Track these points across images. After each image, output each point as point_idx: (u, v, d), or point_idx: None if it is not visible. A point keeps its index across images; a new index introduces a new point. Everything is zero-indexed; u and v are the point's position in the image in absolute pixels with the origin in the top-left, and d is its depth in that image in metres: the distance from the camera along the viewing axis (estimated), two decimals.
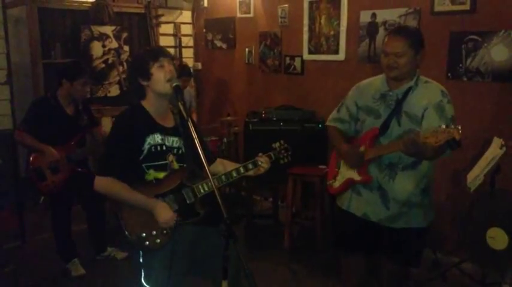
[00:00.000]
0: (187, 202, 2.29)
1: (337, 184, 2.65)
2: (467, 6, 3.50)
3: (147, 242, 2.22)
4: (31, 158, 3.42)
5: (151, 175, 2.30)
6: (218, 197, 1.94)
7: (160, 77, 2.26)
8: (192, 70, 5.91)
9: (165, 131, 2.35)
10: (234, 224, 1.95)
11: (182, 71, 4.98)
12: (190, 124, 2.12)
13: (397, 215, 2.47)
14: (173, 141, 2.37)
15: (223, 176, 2.37)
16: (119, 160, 2.25)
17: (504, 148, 3.03)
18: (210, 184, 2.21)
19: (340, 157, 2.67)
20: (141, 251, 2.27)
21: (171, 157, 2.35)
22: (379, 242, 2.57)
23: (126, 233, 2.23)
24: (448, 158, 3.65)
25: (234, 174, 2.40)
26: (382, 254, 2.64)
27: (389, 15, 3.97)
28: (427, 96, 2.38)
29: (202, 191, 2.30)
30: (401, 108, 2.41)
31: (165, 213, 2.21)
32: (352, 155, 2.52)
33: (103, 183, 2.26)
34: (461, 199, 3.60)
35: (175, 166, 2.35)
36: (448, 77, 3.65)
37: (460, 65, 3.59)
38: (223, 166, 2.54)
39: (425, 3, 3.74)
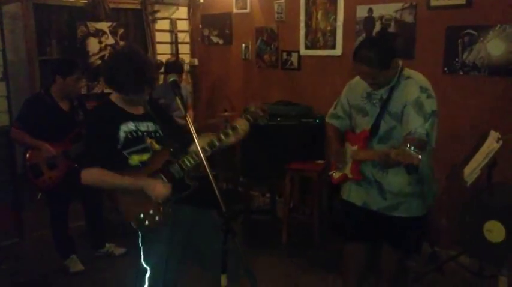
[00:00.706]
0: (177, 176, 2.36)
1: (336, 175, 2.76)
2: (463, 1, 3.50)
3: (147, 222, 2.26)
4: (27, 155, 3.42)
5: (135, 159, 2.36)
6: (214, 185, 1.97)
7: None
8: (188, 67, 5.92)
9: (137, 118, 2.42)
10: (232, 219, 1.95)
11: (172, 67, 4.96)
12: (188, 120, 2.13)
13: (395, 205, 2.55)
14: (148, 126, 2.44)
15: (206, 146, 2.40)
16: (100, 150, 2.31)
17: (501, 142, 3.04)
18: (195, 156, 2.33)
19: (331, 155, 2.80)
20: (140, 233, 2.32)
21: (149, 140, 2.42)
22: (380, 231, 2.65)
23: (125, 218, 2.27)
24: (444, 152, 3.69)
25: (216, 142, 2.42)
26: (382, 242, 2.71)
27: (385, 10, 3.97)
28: (406, 94, 2.43)
29: (188, 164, 2.37)
30: (386, 108, 2.49)
31: (156, 186, 2.26)
32: (338, 155, 2.70)
33: (90, 174, 2.30)
34: (458, 192, 3.62)
35: (156, 147, 2.42)
36: (445, 72, 3.66)
37: (457, 59, 3.60)
38: (205, 140, 2.56)
39: None
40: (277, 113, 4.41)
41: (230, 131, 2.46)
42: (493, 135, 3.12)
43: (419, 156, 2.10)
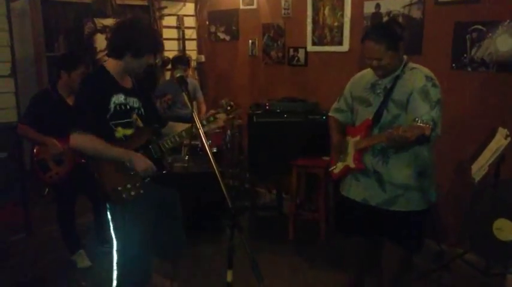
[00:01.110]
0: (155, 156, 2.54)
1: (337, 170, 2.76)
2: None
3: (124, 195, 2.41)
4: (35, 151, 3.44)
5: (120, 132, 2.49)
6: (220, 178, 1.96)
7: (143, 63, 2.52)
8: (195, 63, 5.92)
9: (127, 92, 2.55)
10: (238, 215, 1.96)
11: (178, 61, 4.97)
12: (194, 115, 2.13)
13: (394, 198, 2.54)
14: (133, 101, 2.58)
15: (183, 132, 2.61)
16: (91, 118, 2.40)
17: (509, 138, 3.02)
18: (172, 139, 2.59)
19: (332, 147, 2.81)
20: (108, 206, 2.49)
21: (134, 116, 2.56)
22: (380, 226, 2.64)
23: (105, 188, 2.41)
24: (452, 149, 3.66)
25: (193, 129, 2.46)
26: (384, 238, 2.70)
27: (393, 5, 3.95)
28: (412, 82, 2.46)
29: (167, 146, 2.59)
30: (389, 96, 2.50)
31: (143, 162, 2.44)
32: (339, 147, 2.72)
33: (82, 139, 2.38)
34: (466, 189, 3.60)
35: (140, 123, 2.58)
36: (453, 68, 3.64)
37: (465, 55, 3.57)
38: (175, 127, 2.80)
39: None
40: (284, 109, 4.41)
41: (205, 122, 2.69)
42: (501, 132, 3.10)
43: (428, 125, 2.10)
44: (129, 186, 2.42)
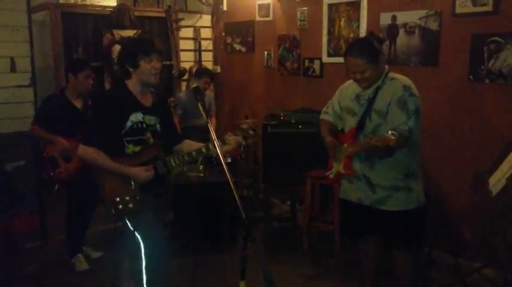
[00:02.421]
0: (160, 172, 2.62)
1: (332, 175, 2.99)
2: (489, 8, 3.44)
3: (120, 206, 2.52)
4: (45, 149, 3.66)
5: (130, 148, 2.61)
6: (233, 187, 1.98)
7: (146, 69, 2.55)
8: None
9: (145, 110, 2.65)
10: (252, 225, 1.96)
11: (203, 72, 5.03)
12: (210, 126, 2.16)
13: (384, 198, 2.75)
14: (150, 119, 2.68)
15: (193, 152, 2.65)
16: (103, 133, 2.56)
17: None
18: (180, 158, 2.64)
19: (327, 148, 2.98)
20: (126, 220, 2.63)
21: (148, 134, 2.66)
22: (375, 225, 2.86)
23: (106, 198, 2.55)
24: (469, 161, 3.62)
25: (203, 150, 2.64)
26: (381, 237, 2.94)
27: (409, 17, 3.94)
28: (391, 93, 2.66)
29: (173, 163, 2.64)
30: (371, 106, 2.72)
31: (141, 172, 2.54)
32: (333, 147, 2.89)
33: (86, 151, 2.56)
34: (483, 203, 3.55)
35: (151, 140, 2.67)
36: (470, 79, 3.60)
37: (482, 67, 3.54)
38: (189, 146, 2.84)
39: (446, 4, 3.70)
40: (299, 120, 4.41)
41: (218, 144, 2.65)
42: None
43: (393, 137, 2.35)
44: (127, 198, 2.53)
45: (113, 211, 2.54)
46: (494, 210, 3.41)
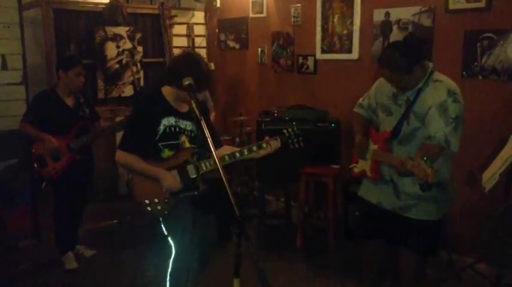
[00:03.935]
0: (190, 176, 2.61)
1: (357, 170, 2.87)
2: (482, 4, 3.45)
3: (149, 208, 2.58)
4: (34, 147, 3.60)
5: (166, 153, 2.64)
6: (226, 184, 1.97)
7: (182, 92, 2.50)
8: None
9: (179, 115, 2.68)
10: (245, 223, 1.95)
11: None
12: (202, 124, 2.14)
13: (408, 206, 2.59)
14: (186, 124, 2.70)
15: (226, 156, 2.64)
16: (136, 138, 2.61)
17: None
18: (212, 161, 2.57)
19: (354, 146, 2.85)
20: (161, 222, 2.65)
21: (183, 138, 2.68)
22: (393, 230, 2.70)
23: (136, 199, 2.61)
24: (462, 157, 3.63)
25: (238, 155, 2.64)
26: (397, 242, 2.76)
27: (403, 13, 3.94)
28: (433, 96, 2.44)
29: (204, 168, 2.62)
30: (411, 108, 2.51)
31: (169, 179, 2.57)
32: (362, 148, 2.76)
33: (120, 156, 2.61)
34: (477, 198, 3.56)
35: (187, 145, 2.68)
36: (463, 76, 3.61)
37: (475, 63, 3.55)
38: (230, 150, 2.77)
39: (439, 1, 3.70)
40: (293, 117, 4.40)
41: (255, 148, 2.69)
42: None
43: (432, 173, 2.15)
44: (156, 200, 2.58)
45: (140, 210, 2.59)
46: (488, 207, 3.43)
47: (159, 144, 2.62)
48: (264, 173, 4.53)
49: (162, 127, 2.62)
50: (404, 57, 2.41)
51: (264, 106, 5.11)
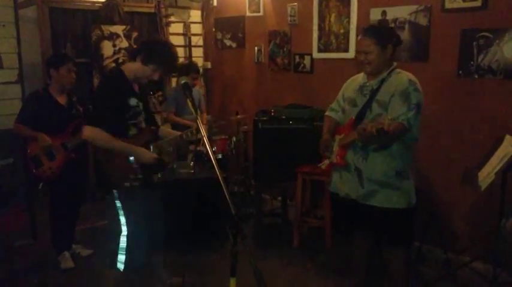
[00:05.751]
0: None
1: (324, 166, 3.01)
2: (478, 3, 3.46)
3: (127, 183, 2.69)
4: (28, 147, 3.59)
5: (132, 130, 2.77)
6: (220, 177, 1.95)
7: (147, 71, 2.77)
8: (201, 70, 5.94)
9: (136, 95, 2.82)
10: (241, 222, 1.94)
11: (190, 68, 4.99)
12: (199, 122, 2.13)
13: (371, 192, 2.72)
14: (140, 105, 2.85)
15: (184, 135, 2.88)
16: (107, 115, 2.67)
17: None
18: (169, 139, 2.90)
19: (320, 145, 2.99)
20: (116, 194, 2.77)
21: (141, 117, 2.83)
22: (364, 221, 2.84)
23: (110, 179, 2.73)
24: (458, 156, 3.64)
25: (189, 133, 2.88)
26: (371, 234, 2.94)
27: (399, 12, 3.94)
28: (395, 84, 2.65)
29: (167, 149, 2.86)
30: (374, 97, 2.71)
31: (145, 153, 2.72)
32: (326, 144, 2.93)
33: (91, 132, 2.67)
34: (473, 197, 3.57)
35: (143, 124, 2.85)
36: (459, 75, 3.62)
37: (472, 62, 3.55)
38: (167, 133, 3.08)
39: (436, 0, 3.71)
40: (290, 116, 4.40)
41: (207, 141, 2.80)
42: (508, 139, 3.07)
43: (390, 123, 2.28)
44: (131, 177, 2.70)
45: (117, 188, 2.73)
46: (484, 206, 3.43)
47: (129, 122, 2.74)
48: (261, 171, 4.53)
49: (130, 105, 2.74)
50: (382, 30, 2.83)
51: (260, 105, 5.10)
